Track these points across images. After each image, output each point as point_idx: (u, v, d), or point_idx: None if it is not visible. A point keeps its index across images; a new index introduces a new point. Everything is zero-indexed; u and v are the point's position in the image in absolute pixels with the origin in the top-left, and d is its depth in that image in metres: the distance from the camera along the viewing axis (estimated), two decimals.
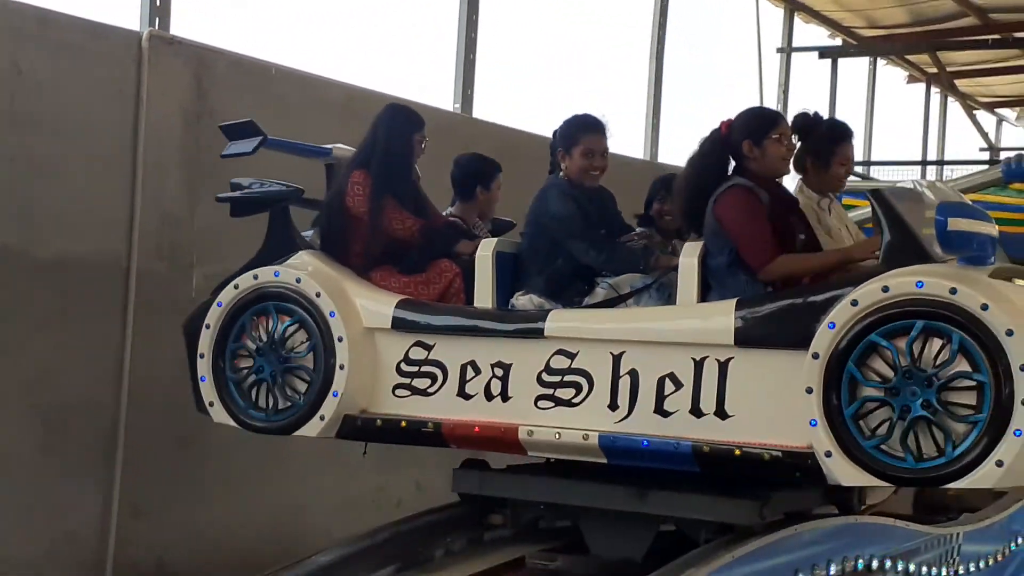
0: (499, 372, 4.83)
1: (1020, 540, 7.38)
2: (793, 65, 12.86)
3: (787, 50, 12.77)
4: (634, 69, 10.96)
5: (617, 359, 4.66)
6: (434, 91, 8.71)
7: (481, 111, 8.82)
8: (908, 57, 14.75)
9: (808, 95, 13.20)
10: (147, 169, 6.52)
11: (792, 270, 4.62)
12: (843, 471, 4.27)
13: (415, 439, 5.02)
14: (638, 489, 4.87)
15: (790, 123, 5.11)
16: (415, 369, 5.00)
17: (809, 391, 4.29)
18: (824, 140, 5.29)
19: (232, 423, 5.21)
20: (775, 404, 4.43)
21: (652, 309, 4.83)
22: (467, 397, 4.88)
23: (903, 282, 4.23)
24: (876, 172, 14.04)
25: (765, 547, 5.00)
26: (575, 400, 4.71)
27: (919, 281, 4.20)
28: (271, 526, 6.94)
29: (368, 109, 7.64)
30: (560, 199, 5.08)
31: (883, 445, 4.22)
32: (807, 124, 5.26)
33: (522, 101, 9.76)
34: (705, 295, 4.72)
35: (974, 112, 15.77)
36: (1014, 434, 4.01)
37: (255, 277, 5.19)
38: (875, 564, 5.69)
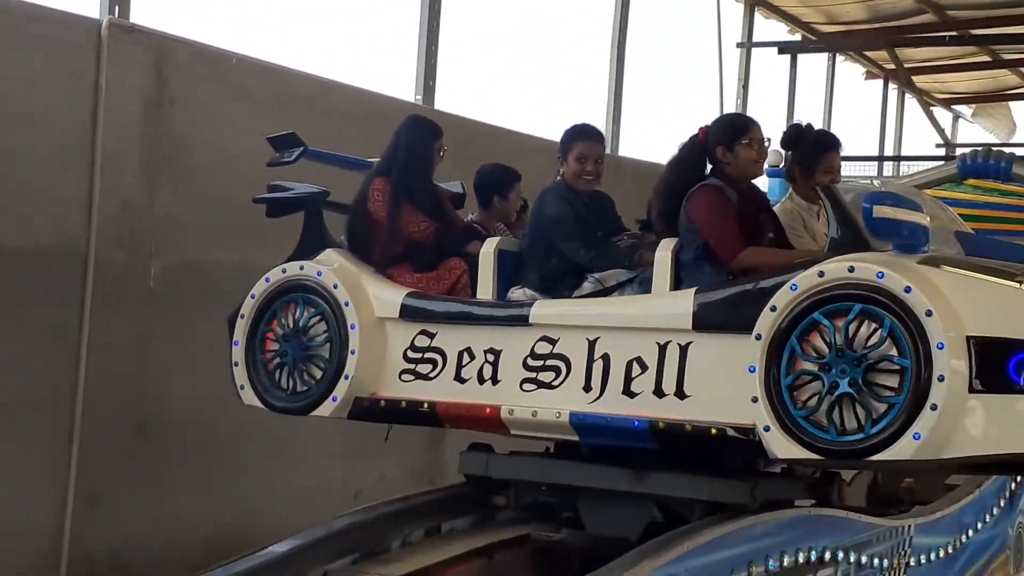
0: (491, 357, 5.21)
1: (971, 533, 7.47)
2: (753, 60, 12.92)
3: (747, 45, 12.83)
4: (595, 62, 11.01)
5: (592, 344, 5.02)
6: (396, 82, 8.71)
7: (443, 102, 8.82)
8: (866, 53, 14.84)
9: (768, 90, 13.30)
10: (106, 158, 6.49)
11: (757, 262, 4.87)
12: (778, 444, 4.55)
13: (414, 419, 5.45)
14: (636, 470, 5.21)
15: (786, 132, 5.58)
16: (419, 355, 5.39)
17: (752, 370, 4.60)
18: (811, 150, 5.58)
19: (259, 404, 5.61)
20: (727, 384, 4.72)
21: (624, 298, 5.17)
22: (462, 381, 5.26)
23: (837, 267, 4.53)
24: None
25: (719, 539, 5.05)
26: (555, 383, 5.07)
27: (851, 266, 4.50)
28: (229, 517, 6.93)
29: (330, 100, 7.69)
30: (555, 202, 5.44)
31: (811, 416, 4.48)
32: (797, 134, 5.61)
33: (484, 93, 9.77)
34: (678, 287, 5.01)
35: (931, 108, 15.93)
36: (930, 408, 4.28)
37: (283, 271, 5.61)
38: (827, 556, 5.76)
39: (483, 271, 5.43)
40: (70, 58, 6.36)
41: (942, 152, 15.23)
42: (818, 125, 14.69)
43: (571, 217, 5.39)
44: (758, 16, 13.02)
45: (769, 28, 13.40)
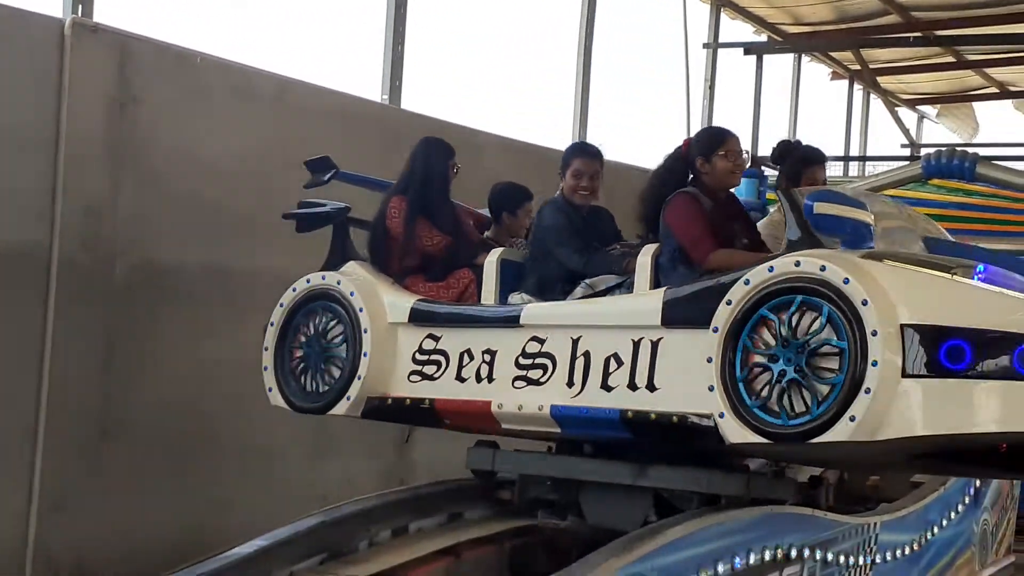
0: (487, 357, 5.58)
1: (936, 530, 7.51)
2: (719, 61, 12.97)
3: (713, 46, 12.87)
4: (563, 62, 11.01)
5: (575, 343, 5.36)
6: (363, 82, 8.68)
7: (409, 102, 8.80)
8: (832, 54, 14.91)
9: (734, 91, 13.32)
10: (69, 158, 6.44)
11: (726, 263, 5.12)
12: (733, 430, 4.83)
13: (416, 416, 5.85)
14: (638, 464, 5.55)
15: (775, 147, 5.93)
16: (426, 357, 5.78)
17: (709, 360, 4.89)
18: (796, 164, 5.96)
19: (284, 405, 5.99)
20: (691, 376, 5.00)
21: (603, 298, 5.50)
22: (462, 380, 5.63)
23: (785, 262, 4.83)
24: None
25: (685, 537, 5.06)
26: (542, 379, 5.42)
27: (797, 261, 4.80)
28: (196, 520, 6.89)
29: (297, 99, 7.66)
30: (551, 213, 5.82)
31: (764, 405, 4.77)
32: (785, 150, 5.99)
33: (451, 93, 9.75)
34: (657, 288, 5.32)
35: (896, 109, 16.02)
36: (864, 392, 4.54)
37: (308, 281, 6.03)
38: (793, 553, 5.78)
39: (487, 279, 5.80)
40: (33, 57, 6.31)
41: (907, 152, 15.32)
42: (784, 125, 14.78)
43: (566, 226, 5.73)
44: (724, 17, 13.06)
45: (735, 29, 13.45)
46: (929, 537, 7.37)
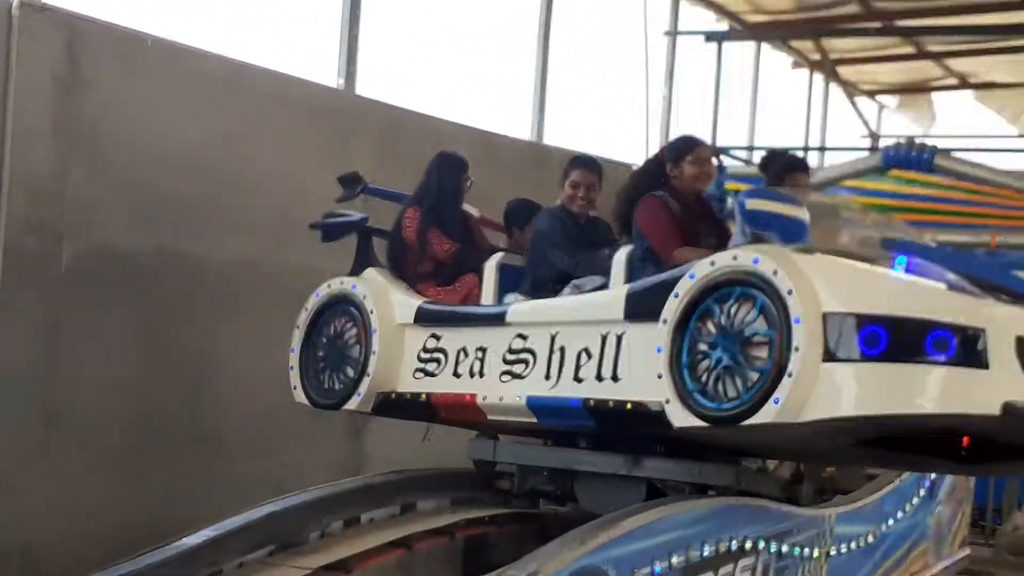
0: (479, 354, 5.97)
1: (891, 522, 7.53)
2: (679, 49, 12.93)
3: (673, 33, 12.84)
4: (522, 50, 10.94)
5: (553, 338, 5.72)
6: (317, 66, 8.57)
7: (365, 88, 8.71)
8: (792, 43, 14.91)
9: (695, 79, 13.29)
10: (16, 140, 6.33)
11: (688, 259, 5.39)
12: (678, 414, 5.16)
13: (416, 409, 6.21)
14: (633, 455, 5.87)
15: (763, 156, 6.43)
16: (429, 356, 6.17)
17: (659, 350, 5.21)
18: (779, 170, 6.27)
19: (306, 402, 6.43)
20: (647, 366, 5.31)
21: (577, 296, 5.86)
22: (458, 376, 6.03)
23: (724, 256, 5.15)
24: (759, 157, 14.19)
25: (641, 528, 5.05)
26: (524, 373, 5.80)
27: (735, 255, 5.12)
28: (145, 508, 6.79)
29: (250, 83, 7.56)
30: (546, 218, 6.20)
31: (703, 391, 5.10)
32: (771, 158, 6.47)
33: (407, 79, 9.66)
34: None
35: (855, 99, 16.04)
36: (788, 376, 4.84)
37: (328, 286, 6.48)
38: (748, 545, 5.78)
39: (486, 282, 6.22)
40: None
41: (866, 143, 15.36)
42: (744, 114, 14.75)
43: (558, 230, 6.10)
44: (684, 4, 13.03)
45: (695, 16, 13.42)
46: (884, 529, 7.39)
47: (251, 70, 7.62)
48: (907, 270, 4.95)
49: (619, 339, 5.49)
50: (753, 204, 5.34)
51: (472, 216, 6.73)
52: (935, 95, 17.09)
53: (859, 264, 5.02)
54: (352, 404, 6.27)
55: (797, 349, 4.83)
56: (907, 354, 4.80)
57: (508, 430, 6.29)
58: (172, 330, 7.00)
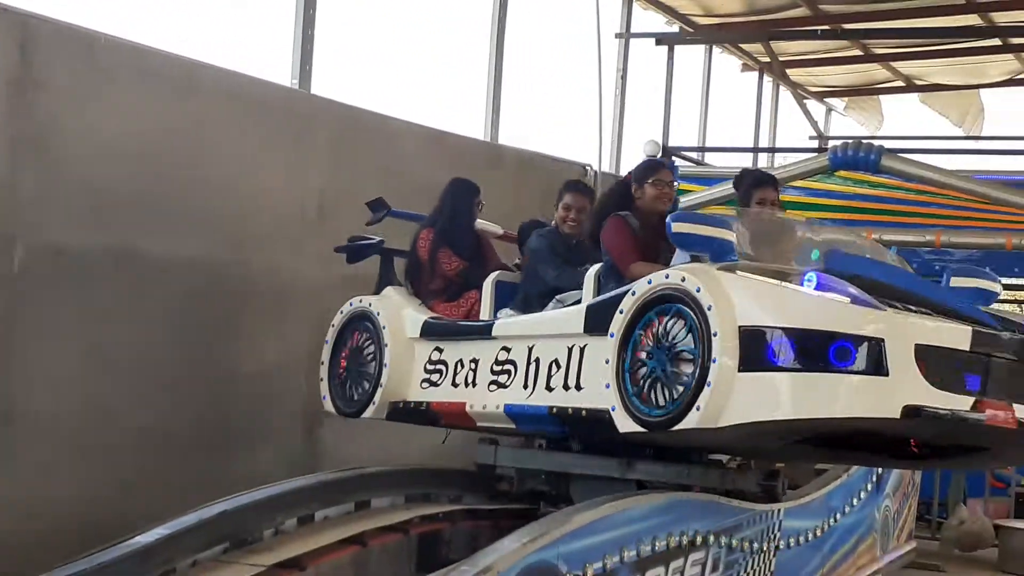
0: (472, 366, 6.52)
1: (839, 516, 7.64)
2: (631, 51, 13.01)
3: (625, 36, 12.91)
4: (476, 50, 10.98)
5: (530, 350, 6.24)
6: (272, 66, 8.57)
7: (320, 87, 8.72)
8: (742, 46, 15.02)
9: (646, 81, 13.37)
10: None
11: (643, 274, 5.79)
12: (621, 420, 5.65)
13: (419, 416, 6.83)
14: (625, 459, 6.31)
15: (736, 175, 6.87)
16: (433, 367, 6.75)
17: (607, 362, 5.70)
18: (748, 186, 6.66)
19: (333, 411, 7.13)
20: (601, 375, 5.76)
21: (548, 312, 6.37)
22: (455, 385, 6.60)
23: (658, 275, 5.62)
24: (710, 158, 14.32)
25: (591, 524, 5.11)
26: (507, 383, 6.33)
27: (667, 274, 5.60)
28: (98, 507, 6.76)
29: (203, 83, 7.55)
30: (536, 238, 6.76)
31: (641, 398, 5.57)
32: (742, 175, 6.89)
33: (362, 78, 9.68)
34: None
35: (804, 101, 16.16)
36: (707, 385, 5.29)
37: (351, 304, 7.13)
38: (698, 540, 5.86)
39: (484, 298, 6.78)
40: None
41: (815, 144, 15.48)
42: (695, 116, 14.83)
43: (547, 248, 6.64)
44: (636, 7, 13.10)
45: (647, 19, 13.50)
46: (832, 523, 7.50)
47: (206, 69, 7.61)
48: (816, 285, 5.25)
49: (582, 351, 5.97)
50: (678, 227, 5.64)
51: (484, 234, 7.34)
52: (883, 97, 17.27)
53: (771, 281, 5.37)
54: (369, 412, 6.89)
55: (715, 360, 5.26)
56: (813, 364, 5.17)
57: (509, 433, 6.76)
58: (122, 328, 6.98)
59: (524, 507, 6.71)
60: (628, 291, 5.69)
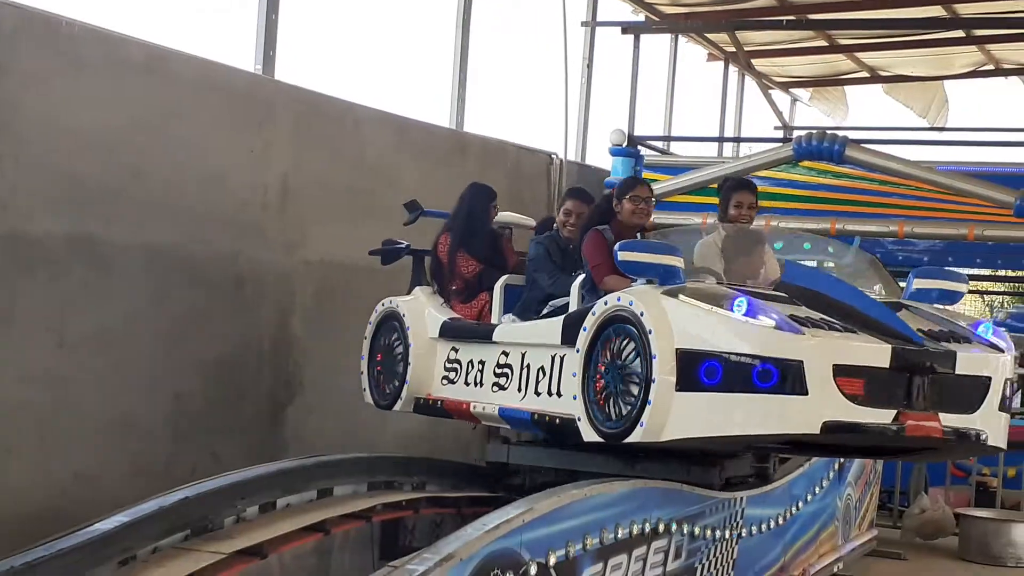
0: (480, 367, 6.95)
1: (801, 505, 7.69)
2: (597, 40, 12.99)
3: (591, 24, 12.90)
4: (442, 37, 10.94)
5: (523, 356, 6.65)
6: (235, 51, 8.52)
7: (284, 73, 8.67)
8: (708, 36, 15.04)
9: (612, 69, 13.37)
10: None
11: (615, 287, 6.16)
12: (585, 429, 6.08)
13: (435, 411, 7.29)
14: (628, 457, 6.52)
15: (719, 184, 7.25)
16: (451, 366, 7.19)
17: (574, 375, 6.11)
18: (727, 191, 7.09)
19: (372, 403, 7.60)
20: (572, 386, 6.17)
21: (538, 321, 6.69)
22: (467, 384, 7.05)
23: (612, 297, 5.99)
24: (675, 147, 14.33)
25: (554, 511, 5.11)
26: (505, 385, 6.77)
27: (619, 296, 5.94)
28: (58, 493, 6.72)
29: (168, 68, 7.49)
30: (535, 245, 7.10)
31: (599, 411, 5.99)
32: (724, 181, 7.33)
33: (327, 65, 9.63)
34: None
35: (770, 91, 16.21)
36: (648, 403, 5.68)
37: (383, 304, 7.59)
38: (661, 527, 5.88)
39: (494, 302, 7.17)
40: None
41: (780, 134, 15.52)
42: (660, 106, 14.84)
43: (543, 255, 6.97)
44: None
45: (613, 7, 13.50)
46: (794, 512, 7.55)
47: (171, 55, 7.55)
48: (746, 311, 5.60)
49: (561, 361, 6.36)
50: (624, 256, 5.97)
51: (505, 236, 7.69)
52: (848, 88, 17.34)
53: (705, 306, 5.71)
54: (397, 406, 7.37)
55: (655, 380, 5.67)
56: (739, 385, 5.55)
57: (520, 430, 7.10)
58: (86, 316, 6.93)
59: (487, 495, 6.72)
60: (591, 309, 6.06)
